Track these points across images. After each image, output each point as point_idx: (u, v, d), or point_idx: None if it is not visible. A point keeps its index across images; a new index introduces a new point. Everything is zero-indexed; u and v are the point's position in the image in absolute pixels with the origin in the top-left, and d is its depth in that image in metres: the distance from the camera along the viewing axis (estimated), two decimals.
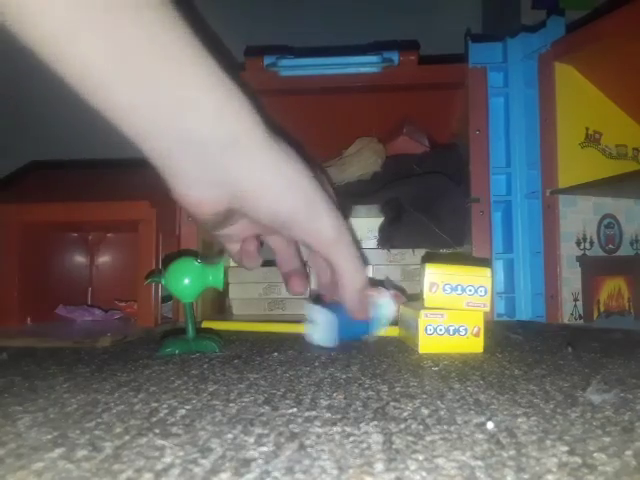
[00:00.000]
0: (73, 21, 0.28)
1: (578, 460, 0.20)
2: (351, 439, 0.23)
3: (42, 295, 0.73)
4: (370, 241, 0.86)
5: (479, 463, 0.20)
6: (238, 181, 0.35)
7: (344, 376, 0.35)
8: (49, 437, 0.23)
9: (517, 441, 0.22)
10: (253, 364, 0.40)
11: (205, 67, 0.33)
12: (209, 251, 0.74)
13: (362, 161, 0.75)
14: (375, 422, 0.25)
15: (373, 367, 0.38)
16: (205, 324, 0.58)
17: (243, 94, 0.34)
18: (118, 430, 0.24)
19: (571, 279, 0.63)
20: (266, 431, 0.24)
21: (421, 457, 0.21)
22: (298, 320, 0.51)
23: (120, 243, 0.86)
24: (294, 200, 0.37)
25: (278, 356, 0.43)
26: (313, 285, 0.50)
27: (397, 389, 0.32)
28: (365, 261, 0.43)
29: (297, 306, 0.75)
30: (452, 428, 0.24)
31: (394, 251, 0.75)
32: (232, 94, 0.34)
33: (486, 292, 0.45)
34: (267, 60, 0.72)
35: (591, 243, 0.64)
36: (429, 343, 0.44)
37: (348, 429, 0.24)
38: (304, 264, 0.47)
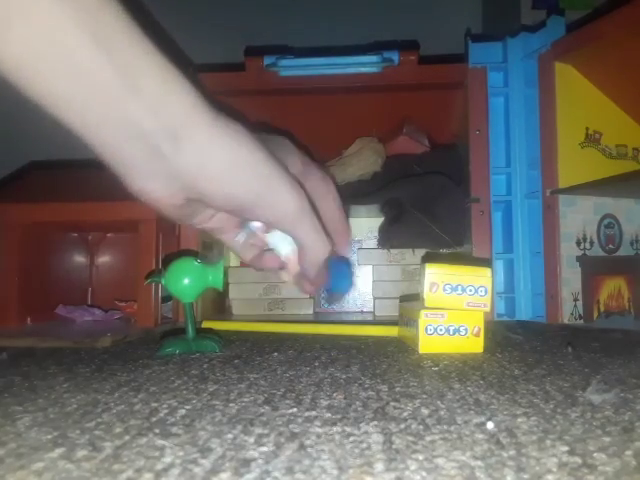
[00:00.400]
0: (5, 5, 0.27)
1: (578, 460, 0.20)
2: (351, 439, 0.23)
3: (42, 295, 0.73)
4: (370, 241, 0.86)
5: (479, 463, 0.20)
6: (189, 170, 0.35)
7: (344, 376, 0.35)
8: (49, 437, 0.23)
9: (517, 441, 0.22)
10: (253, 364, 0.40)
11: (144, 51, 0.32)
12: (209, 251, 0.74)
13: (362, 161, 0.75)
14: (375, 422, 0.25)
15: (373, 367, 0.38)
16: (205, 324, 0.58)
17: (186, 79, 0.34)
18: (118, 430, 0.24)
19: (571, 279, 0.63)
20: (266, 431, 0.24)
21: (421, 457, 0.21)
22: (297, 320, 0.51)
23: (120, 243, 0.86)
24: (247, 181, 0.37)
25: (278, 356, 0.43)
26: None
27: (397, 389, 0.32)
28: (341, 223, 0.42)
29: (297, 306, 0.75)
30: (452, 428, 0.24)
31: (394, 251, 0.75)
32: (174, 79, 0.33)
33: (486, 292, 0.45)
34: (267, 60, 0.72)
35: (591, 243, 0.64)
36: (429, 343, 0.44)
37: (348, 429, 0.24)
38: None
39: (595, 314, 0.63)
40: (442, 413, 0.27)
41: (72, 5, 0.29)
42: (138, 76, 0.32)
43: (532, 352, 0.44)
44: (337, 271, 0.42)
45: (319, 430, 0.24)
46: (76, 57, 0.30)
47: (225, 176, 0.36)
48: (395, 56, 0.71)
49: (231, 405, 0.28)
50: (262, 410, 0.27)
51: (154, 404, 0.29)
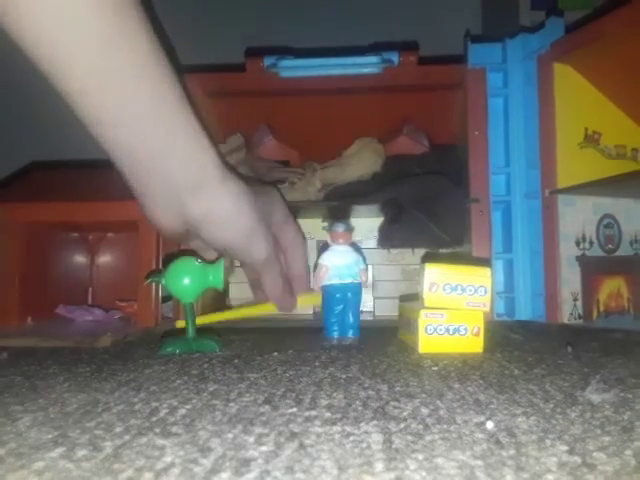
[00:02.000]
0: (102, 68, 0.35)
1: (578, 459, 0.20)
2: (351, 439, 0.23)
3: (42, 295, 0.73)
4: (370, 241, 0.86)
5: (479, 462, 0.20)
6: (198, 213, 0.43)
7: (344, 376, 0.36)
8: (49, 436, 0.23)
9: (517, 440, 0.22)
10: (253, 364, 0.40)
11: (185, 121, 0.41)
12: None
13: (362, 161, 0.75)
14: (375, 422, 0.25)
15: (373, 367, 0.39)
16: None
17: (211, 141, 0.43)
18: (118, 429, 0.24)
19: (570, 279, 0.63)
20: (266, 431, 0.24)
21: (421, 457, 0.21)
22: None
23: (120, 243, 0.86)
24: (239, 228, 0.46)
25: (278, 356, 0.43)
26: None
27: (397, 389, 0.32)
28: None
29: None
30: (452, 428, 0.24)
31: (394, 251, 0.75)
32: (203, 140, 0.42)
33: (486, 292, 0.45)
34: (267, 61, 0.72)
35: (590, 243, 0.64)
36: (429, 343, 0.44)
37: (348, 429, 0.24)
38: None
39: (595, 314, 0.63)
40: (442, 413, 0.27)
41: (151, 80, 0.38)
42: (180, 139, 0.41)
43: (532, 352, 0.45)
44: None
45: (319, 430, 0.24)
46: (143, 123, 0.38)
47: (224, 223, 0.45)
48: (395, 57, 0.71)
49: (231, 405, 0.28)
50: (262, 410, 0.27)
51: (154, 404, 0.29)
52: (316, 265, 0.54)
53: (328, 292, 0.52)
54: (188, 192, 0.42)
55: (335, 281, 0.51)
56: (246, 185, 0.46)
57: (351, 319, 0.52)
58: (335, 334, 0.52)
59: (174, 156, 0.41)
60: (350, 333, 0.52)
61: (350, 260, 0.52)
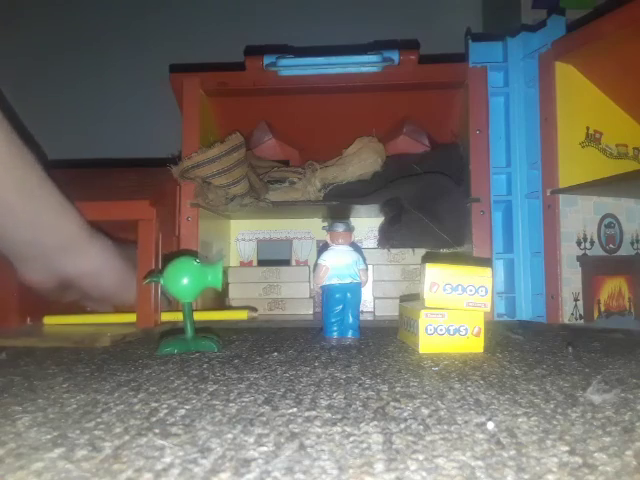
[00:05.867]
0: None
1: (579, 460, 0.20)
2: (351, 439, 0.23)
3: (42, 295, 0.73)
4: (370, 241, 0.86)
5: (479, 463, 0.20)
6: (68, 271, 0.52)
7: (344, 376, 0.35)
8: (49, 437, 0.23)
9: (517, 441, 0.22)
10: (253, 364, 0.40)
11: (48, 195, 0.48)
12: (208, 251, 0.74)
13: (362, 161, 0.75)
14: (375, 422, 0.25)
15: (373, 367, 0.38)
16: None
17: (74, 207, 0.51)
18: (118, 430, 0.24)
19: (571, 279, 0.63)
20: (266, 431, 0.24)
21: (421, 457, 0.21)
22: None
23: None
24: (109, 280, 0.56)
25: (278, 356, 0.43)
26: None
27: (397, 389, 0.32)
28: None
29: (297, 306, 0.75)
30: (452, 428, 0.24)
31: (394, 251, 0.75)
32: (67, 212, 0.50)
33: (487, 292, 0.45)
34: (267, 60, 0.72)
35: (591, 243, 0.64)
36: (429, 343, 0.44)
37: (348, 429, 0.24)
38: None
39: (595, 314, 0.63)
40: (442, 413, 0.27)
41: (8, 167, 0.46)
42: (44, 211, 0.48)
43: (532, 352, 0.44)
44: None
45: (319, 430, 0.24)
46: (10, 203, 0.46)
47: (96, 275, 0.54)
48: (395, 55, 0.71)
49: (231, 405, 0.28)
50: (262, 410, 0.27)
51: (154, 404, 0.29)
52: (315, 265, 0.54)
53: (328, 292, 0.52)
54: (58, 254, 0.50)
55: (335, 281, 0.51)
56: (110, 241, 0.56)
57: (350, 319, 0.52)
58: (335, 334, 0.52)
59: (40, 226, 0.48)
60: (350, 333, 0.52)
61: (350, 260, 0.52)
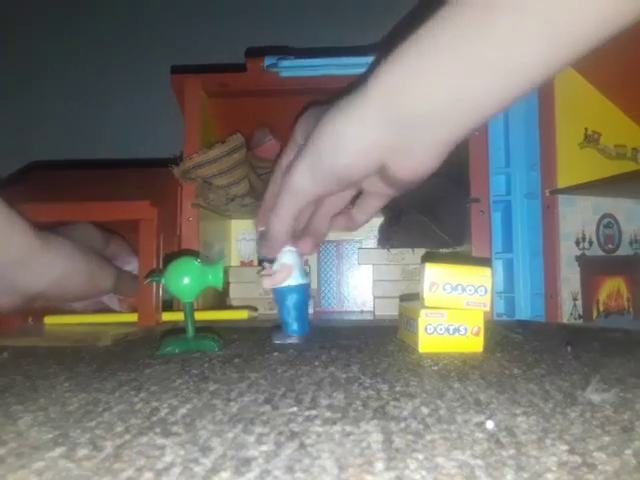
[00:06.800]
0: None
1: (578, 459, 0.20)
2: (351, 438, 0.23)
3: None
4: (370, 241, 0.86)
5: (479, 462, 0.20)
6: (32, 283, 0.51)
7: (344, 375, 0.36)
8: (50, 436, 0.23)
9: (517, 440, 0.22)
10: (254, 363, 0.40)
11: None
12: (209, 251, 0.74)
13: None
14: (375, 421, 0.25)
15: (373, 366, 0.39)
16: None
17: (22, 218, 0.49)
18: (119, 429, 0.24)
19: (570, 279, 0.63)
20: (266, 430, 0.24)
21: (421, 456, 0.21)
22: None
23: None
24: (78, 280, 0.54)
25: (278, 355, 0.44)
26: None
27: (397, 388, 0.32)
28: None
29: None
30: (452, 427, 0.24)
31: (394, 251, 0.75)
32: (14, 224, 0.48)
33: (486, 292, 0.45)
34: (268, 61, 0.72)
35: (590, 243, 0.64)
36: (429, 342, 0.44)
37: (348, 428, 0.24)
38: None
39: (594, 314, 0.63)
40: (442, 412, 0.27)
41: None
42: None
43: (531, 351, 0.45)
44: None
45: (319, 429, 0.24)
46: None
47: (62, 279, 0.53)
48: None
49: (232, 404, 0.29)
50: (262, 409, 0.28)
51: (155, 403, 0.29)
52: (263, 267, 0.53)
53: (287, 292, 0.51)
54: (15, 269, 0.49)
55: (292, 282, 0.51)
56: (66, 240, 0.54)
57: (302, 318, 0.52)
58: (294, 332, 0.51)
59: None
60: (305, 330, 0.51)
61: (300, 261, 0.51)
